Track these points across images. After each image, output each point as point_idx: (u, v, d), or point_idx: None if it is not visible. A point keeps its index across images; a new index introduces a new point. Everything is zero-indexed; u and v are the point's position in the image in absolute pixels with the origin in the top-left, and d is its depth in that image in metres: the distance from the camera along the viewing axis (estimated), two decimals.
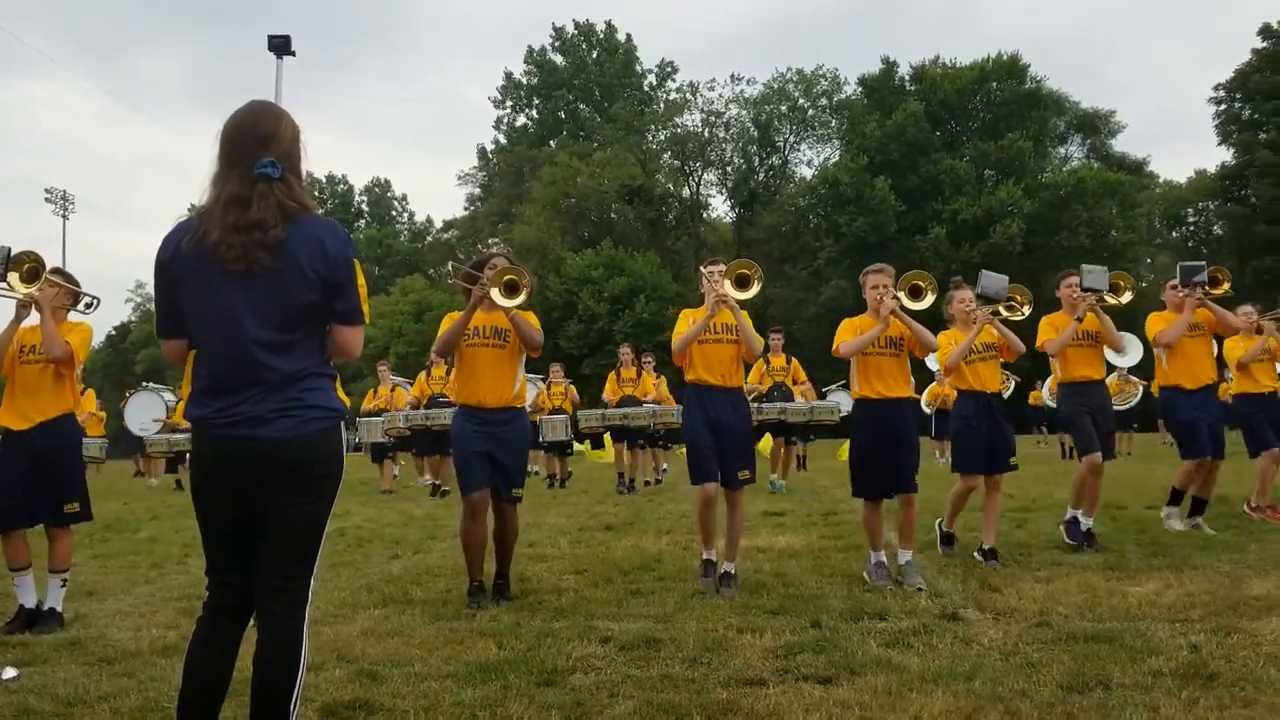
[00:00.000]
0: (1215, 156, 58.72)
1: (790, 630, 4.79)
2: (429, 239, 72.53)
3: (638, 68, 63.70)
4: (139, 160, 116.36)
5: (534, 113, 64.52)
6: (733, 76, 79.67)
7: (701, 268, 6.36)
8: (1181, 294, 7.93)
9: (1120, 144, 55.92)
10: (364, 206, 77.02)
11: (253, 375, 2.76)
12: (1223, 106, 52.55)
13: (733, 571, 6.09)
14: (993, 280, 6.93)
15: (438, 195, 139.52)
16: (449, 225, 70.07)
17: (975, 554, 6.91)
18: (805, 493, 12.70)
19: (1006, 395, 12.11)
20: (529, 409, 15.90)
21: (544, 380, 17.44)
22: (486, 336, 5.97)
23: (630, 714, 3.61)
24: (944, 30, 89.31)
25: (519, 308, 5.83)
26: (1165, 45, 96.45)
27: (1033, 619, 4.92)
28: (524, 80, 63.63)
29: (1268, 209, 49.22)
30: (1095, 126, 55.11)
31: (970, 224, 47.10)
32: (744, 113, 55.80)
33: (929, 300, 6.31)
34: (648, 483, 15.33)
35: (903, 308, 6.23)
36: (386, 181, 77.70)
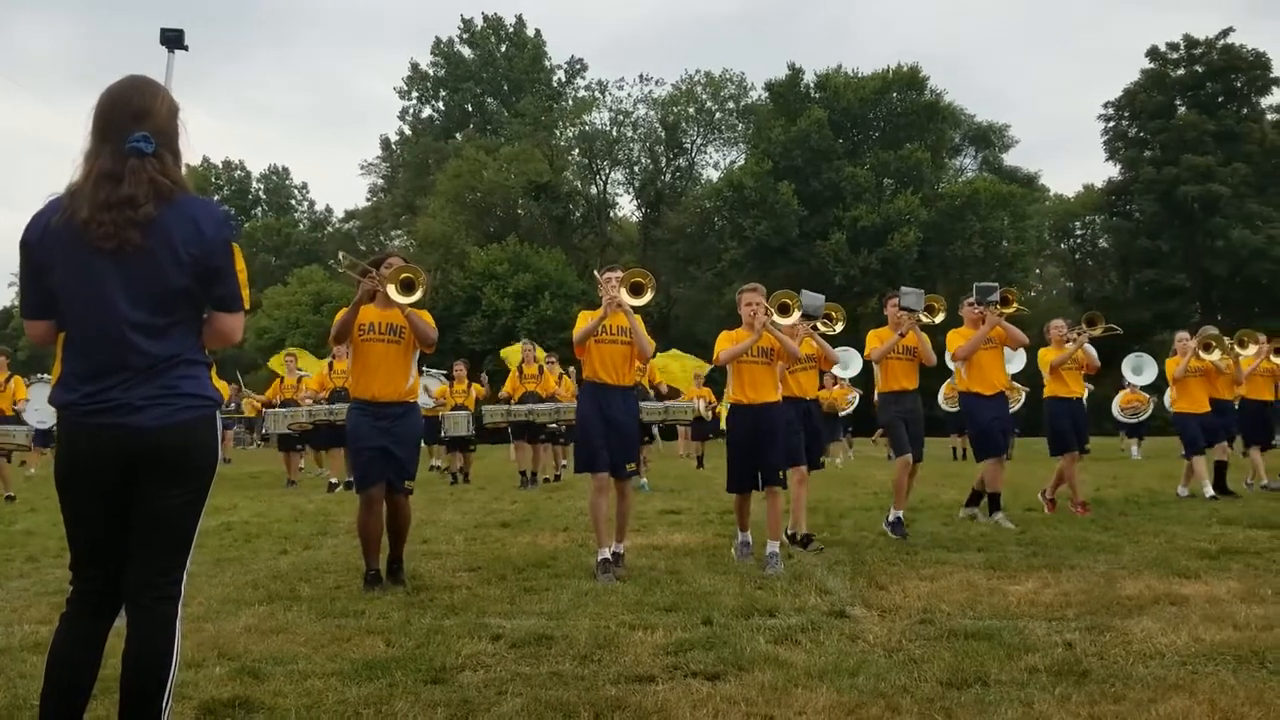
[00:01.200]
0: (1103, 172, 61.05)
1: (682, 627, 4.82)
2: (329, 229, 71.06)
3: (547, 63, 63.35)
4: (24, 142, 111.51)
5: (440, 105, 63.60)
6: (641, 76, 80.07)
7: (597, 273, 6.89)
8: (977, 311, 8.90)
9: (1013, 158, 57.80)
10: (261, 194, 75.07)
11: (122, 359, 2.66)
12: (1111, 124, 54.64)
13: (621, 552, 6.71)
14: (811, 299, 7.64)
15: (339, 185, 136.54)
16: (350, 215, 68.71)
17: (793, 546, 7.49)
18: (703, 491, 12.80)
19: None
20: (434, 404, 16.16)
21: (447, 376, 17.40)
22: (382, 332, 6.17)
23: (518, 711, 3.59)
24: (847, 38, 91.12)
25: (414, 305, 6.05)
26: (1058, 63, 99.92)
27: (916, 616, 5.03)
28: (430, 72, 62.74)
29: (1150, 224, 51.36)
30: (989, 140, 56.79)
31: (870, 231, 48.06)
32: (652, 113, 56.02)
33: (795, 316, 7.16)
34: (548, 479, 15.35)
35: (773, 323, 6.96)
36: (285, 169, 75.80)
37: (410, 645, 4.55)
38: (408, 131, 63.73)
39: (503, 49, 62.65)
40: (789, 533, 7.58)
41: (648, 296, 6.54)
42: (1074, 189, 63.39)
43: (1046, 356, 10.11)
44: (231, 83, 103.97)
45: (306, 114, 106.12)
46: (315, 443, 16.19)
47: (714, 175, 56.47)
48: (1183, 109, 51.71)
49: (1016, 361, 13.08)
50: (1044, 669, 4.02)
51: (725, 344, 7.10)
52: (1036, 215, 55.26)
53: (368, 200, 66.42)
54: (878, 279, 47.38)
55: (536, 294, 46.05)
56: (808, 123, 49.81)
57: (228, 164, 72.71)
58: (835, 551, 7.31)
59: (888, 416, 8.55)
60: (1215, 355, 11.31)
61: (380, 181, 65.64)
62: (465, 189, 52.46)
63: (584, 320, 6.66)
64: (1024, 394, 20.78)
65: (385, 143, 64.90)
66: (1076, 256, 61.69)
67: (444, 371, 18.20)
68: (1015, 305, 8.99)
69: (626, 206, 61.57)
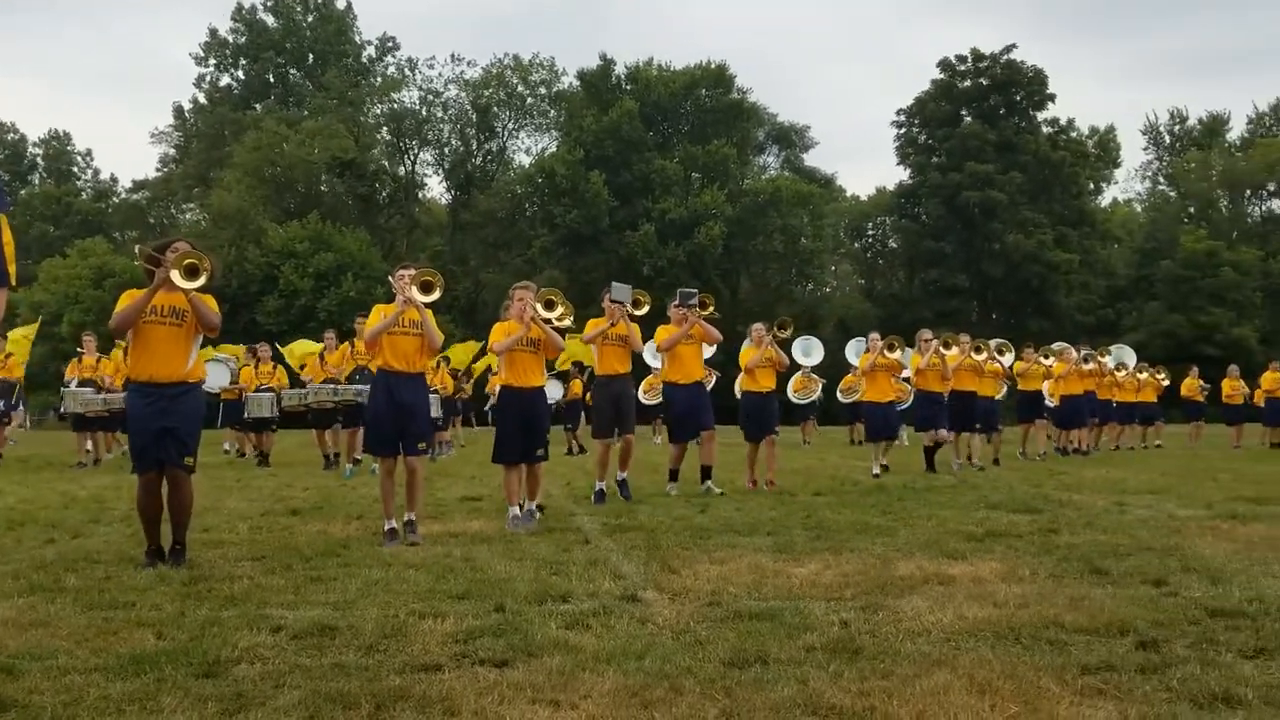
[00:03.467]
0: (894, 175, 64.21)
1: (473, 615, 4.77)
2: (115, 199, 66.72)
3: (356, 38, 61.44)
4: None
5: (240, 74, 60.82)
6: (453, 56, 78.59)
7: (390, 275, 7.51)
8: (680, 312, 10.27)
9: (813, 158, 60.19)
10: (39, 160, 69.67)
11: None
12: (902, 130, 57.65)
13: (414, 519, 7.21)
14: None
15: (127, 153, 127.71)
16: (139, 186, 64.68)
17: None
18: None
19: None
20: (229, 386, 15.91)
21: (248, 356, 17.62)
22: (164, 315, 6.23)
23: (295, 705, 3.46)
24: (657, 32, 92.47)
25: (199, 290, 6.16)
26: (858, 69, 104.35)
27: (705, 599, 5.15)
28: (230, 39, 59.79)
29: (935, 226, 54.50)
30: (791, 140, 58.87)
31: (677, 224, 48.96)
32: (463, 94, 55.35)
33: (559, 312, 8.15)
34: (355, 461, 15.05)
35: (539, 316, 8.00)
36: (66, 134, 70.56)
37: (183, 638, 4.33)
38: (203, 100, 60.62)
39: (309, 19, 60.37)
40: (538, 503, 8.60)
41: (436, 294, 7.24)
42: (868, 190, 66.51)
43: (746, 355, 11.56)
44: (5, 38, 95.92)
45: (92, 76, 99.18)
46: (109, 426, 15.77)
47: (526, 160, 56.40)
48: (968, 119, 55.02)
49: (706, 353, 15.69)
50: (820, 647, 4.18)
51: (499, 336, 8.20)
52: (833, 214, 57.72)
53: (158, 170, 63.04)
54: (684, 271, 48.34)
55: (338, 274, 44.72)
56: (619, 114, 50.29)
57: (0, 125, 67.18)
58: (632, 536, 7.39)
59: (598, 398, 10.05)
60: (896, 354, 13.47)
61: (172, 151, 62.37)
62: (264, 163, 50.43)
63: (376, 315, 7.32)
64: (820, 385, 22.67)
65: (178, 111, 61.67)
66: (868, 255, 64.78)
67: (232, 357, 17.94)
68: (711, 308, 10.53)
69: (436, 188, 60.75)
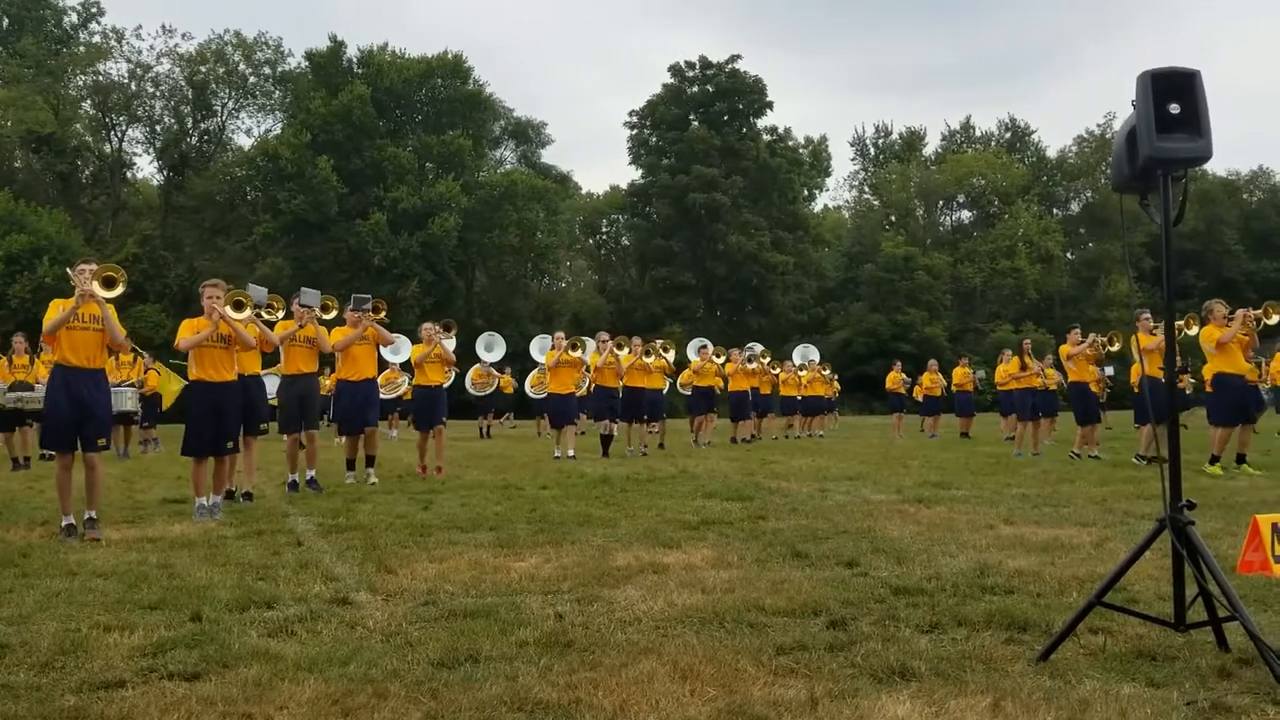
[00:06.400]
0: (627, 175, 65.84)
1: (165, 625, 4.46)
2: None
3: (57, 2, 56.09)
4: None
5: None
6: (164, 28, 73.40)
7: (69, 269, 7.49)
8: (355, 316, 11.17)
9: (549, 155, 60.63)
10: None
11: None
12: (635, 131, 59.15)
13: (94, 517, 7.26)
14: (256, 291, 9.34)
15: None
16: None
17: (244, 500, 9.32)
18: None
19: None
20: None
21: None
22: None
23: None
24: (390, 19, 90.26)
25: None
26: (595, 70, 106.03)
27: (421, 598, 5.05)
28: None
29: (665, 225, 56.29)
30: (528, 136, 59.12)
31: (410, 213, 48.00)
32: (177, 69, 51.78)
33: (248, 313, 8.59)
34: (43, 457, 14.49)
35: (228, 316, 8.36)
36: None
37: None
38: None
39: None
40: (245, 491, 9.44)
41: (119, 289, 7.31)
42: (602, 189, 67.75)
43: (417, 351, 12.77)
44: None
45: None
46: None
47: (247, 142, 53.49)
48: (695, 123, 57.15)
49: (403, 353, 17.80)
50: (533, 642, 4.18)
51: (188, 332, 8.41)
52: (568, 211, 58.40)
53: None
54: (418, 262, 47.46)
55: (33, 258, 40.77)
56: (349, 97, 48.70)
57: None
58: (349, 536, 7.16)
59: (285, 395, 10.72)
60: (577, 352, 15.83)
61: None
62: None
63: (55, 309, 7.21)
64: (513, 383, 24.84)
65: None
66: (602, 252, 66.02)
67: None
68: (383, 313, 11.46)
69: (146, 168, 56.55)
